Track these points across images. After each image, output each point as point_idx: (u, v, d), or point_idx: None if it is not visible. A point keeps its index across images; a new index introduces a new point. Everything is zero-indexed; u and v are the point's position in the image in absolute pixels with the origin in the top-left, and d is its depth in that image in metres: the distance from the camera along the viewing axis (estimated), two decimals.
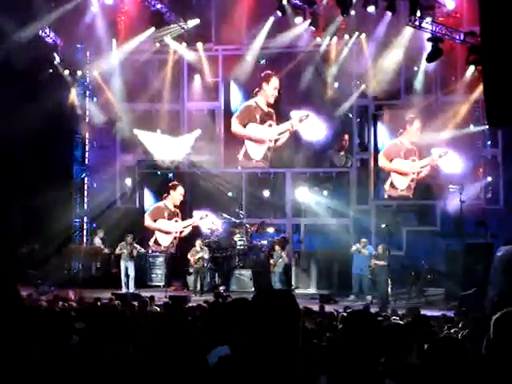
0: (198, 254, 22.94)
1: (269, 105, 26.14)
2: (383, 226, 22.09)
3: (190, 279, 23.25)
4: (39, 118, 22.04)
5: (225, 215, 24.70)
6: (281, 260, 22.48)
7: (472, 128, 23.78)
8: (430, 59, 22.62)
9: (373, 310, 16.03)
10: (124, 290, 22.18)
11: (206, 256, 23.10)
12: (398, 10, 22.53)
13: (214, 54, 26.47)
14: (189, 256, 23.16)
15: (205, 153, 26.53)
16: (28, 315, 6.11)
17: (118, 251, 23.04)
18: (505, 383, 4.44)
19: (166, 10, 24.65)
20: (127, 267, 22.78)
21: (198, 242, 23.33)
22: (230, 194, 26.03)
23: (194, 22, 25.07)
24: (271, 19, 24.43)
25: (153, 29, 24.90)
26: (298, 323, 3.31)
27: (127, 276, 22.76)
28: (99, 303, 15.12)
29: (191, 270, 23.16)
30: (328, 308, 16.39)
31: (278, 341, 3.22)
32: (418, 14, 21.51)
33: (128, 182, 27.21)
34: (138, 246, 23.14)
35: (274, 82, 25.90)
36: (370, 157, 25.59)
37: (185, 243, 24.93)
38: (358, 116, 25.89)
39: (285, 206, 26.12)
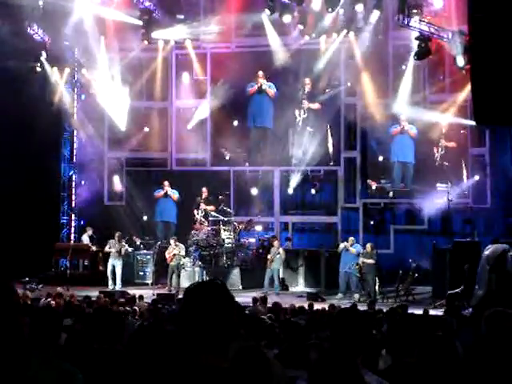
0: (174, 250, 22.85)
1: None
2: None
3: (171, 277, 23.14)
4: (26, 115, 22.03)
5: (213, 213, 24.66)
6: (278, 256, 22.37)
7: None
8: (417, 58, 22.68)
9: (360, 308, 16.08)
10: (110, 288, 22.15)
11: (182, 252, 23.01)
12: (385, 8, 22.58)
13: (202, 52, 26.46)
14: (166, 254, 23.15)
15: (193, 151, 26.55)
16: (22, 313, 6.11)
17: (107, 249, 23.00)
18: (494, 380, 4.47)
19: (155, 8, 24.62)
20: (114, 265, 22.76)
21: (173, 240, 23.26)
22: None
23: (182, 19, 25.07)
24: (260, 17, 24.46)
25: (141, 26, 24.83)
26: (232, 307, 3.48)
27: (114, 273, 22.74)
28: (87, 301, 15.14)
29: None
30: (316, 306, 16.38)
31: (215, 325, 3.37)
32: (406, 12, 21.53)
33: (116, 179, 27.15)
34: (126, 245, 23.09)
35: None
36: (357, 155, 25.64)
37: None
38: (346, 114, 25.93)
39: (273, 204, 26.15)
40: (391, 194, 25.29)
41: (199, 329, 3.35)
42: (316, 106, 25.60)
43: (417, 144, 24.87)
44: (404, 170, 25.32)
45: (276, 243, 22.70)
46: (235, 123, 26.40)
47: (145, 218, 26.66)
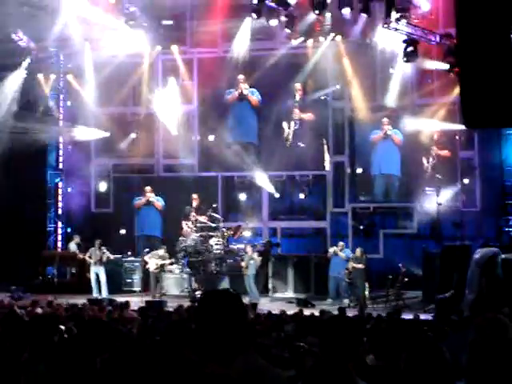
0: (153, 257, 22.65)
1: None
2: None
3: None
4: (11, 124, 21.90)
5: (201, 219, 24.51)
6: (252, 262, 22.15)
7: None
8: (406, 61, 22.62)
9: (350, 313, 15.99)
10: (95, 296, 21.94)
11: (167, 262, 22.85)
12: (372, 11, 22.50)
13: (189, 57, 26.35)
14: (146, 258, 22.92)
15: (180, 156, 26.44)
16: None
17: (87, 257, 22.82)
18: None
19: (141, 14, 24.48)
20: (97, 272, 22.55)
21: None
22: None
23: (168, 25, 24.95)
24: (246, 21, 24.33)
25: (127, 32, 24.69)
26: (245, 320, 3.53)
27: (98, 281, 22.52)
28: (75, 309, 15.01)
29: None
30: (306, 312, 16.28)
31: (226, 337, 3.38)
32: (394, 15, 21.45)
33: (103, 186, 26.98)
34: (107, 252, 22.85)
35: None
36: (345, 159, 25.54)
37: None
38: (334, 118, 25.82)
39: (261, 210, 26.02)
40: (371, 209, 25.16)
41: (210, 338, 3.36)
42: (308, 115, 25.27)
43: (403, 153, 24.63)
44: (388, 183, 25.08)
45: (249, 249, 22.45)
46: (211, 138, 26.05)
47: (122, 231, 26.26)
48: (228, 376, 3.28)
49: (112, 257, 23.09)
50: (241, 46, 25.06)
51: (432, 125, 23.91)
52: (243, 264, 22.18)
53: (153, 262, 22.63)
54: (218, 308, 3.41)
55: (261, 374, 3.66)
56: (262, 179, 25.19)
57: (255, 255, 22.28)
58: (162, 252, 22.96)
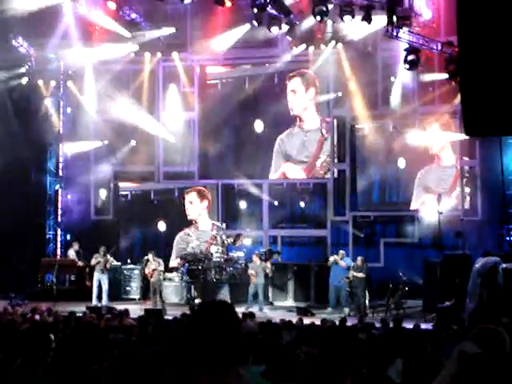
0: (151, 265, 22.44)
1: None
2: None
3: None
4: (11, 128, 21.83)
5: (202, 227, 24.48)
6: (261, 270, 21.99)
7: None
8: (408, 68, 22.58)
9: (350, 322, 15.91)
10: (94, 303, 21.84)
11: (161, 268, 22.63)
12: (374, 19, 22.45)
13: (189, 64, 26.32)
14: (145, 270, 22.79)
15: (180, 164, 26.41)
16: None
17: (93, 262, 22.67)
18: None
19: (141, 20, 24.44)
20: (100, 279, 22.42)
21: (151, 254, 22.88)
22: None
23: (169, 31, 24.90)
24: (247, 29, 24.29)
25: (127, 38, 24.65)
26: (238, 331, 3.46)
27: (99, 288, 22.41)
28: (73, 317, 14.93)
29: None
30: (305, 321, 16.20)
31: (219, 348, 3.34)
32: (395, 23, 21.41)
33: (103, 193, 26.93)
34: (112, 258, 22.80)
35: None
36: (347, 168, 25.48)
37: None
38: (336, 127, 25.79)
39: (262, 218, 25.96)
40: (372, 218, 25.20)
41: (203, 349, 3.33)
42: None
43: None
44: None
45: (256, 258, 22.34)
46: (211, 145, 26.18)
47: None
48: None
49: (116, 263, 23.05)
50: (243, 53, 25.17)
51: (435, 136, 23.90)
52: (252, 272, 22.03)
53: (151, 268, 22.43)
54: (211, 319, 3.37)
55: None
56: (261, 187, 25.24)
57: (268, 264, 22.18)
58: (154, 261, 22.61)
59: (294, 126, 26.07)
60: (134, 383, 5.02)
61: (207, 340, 3.31)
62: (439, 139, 24.11)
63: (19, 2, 22.05)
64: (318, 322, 15.31)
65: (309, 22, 23.43)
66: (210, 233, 24.68)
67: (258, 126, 26.20)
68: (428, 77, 23.84)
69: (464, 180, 24.16)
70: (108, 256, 22.56)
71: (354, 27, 23.15)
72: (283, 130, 26.15)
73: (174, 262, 25.11)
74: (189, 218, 26.01)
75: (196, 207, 26.12)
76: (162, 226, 26.38)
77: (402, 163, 24.72)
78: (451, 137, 23.75)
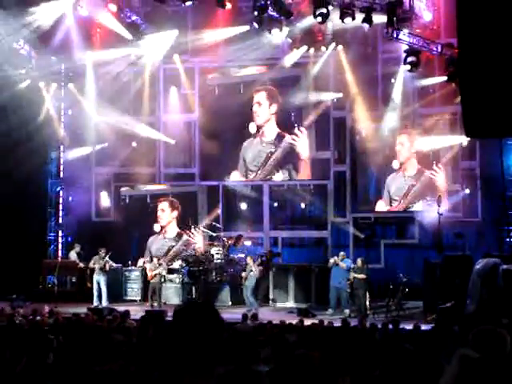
0: (156, 270, 22.51)
1: None
2: None
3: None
4: (12, 130, 21.86)
5: (202, 228, 24.48)
6: (251, 273, 21.97)
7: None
8: (409, 70, 22.63)
9: (351, 323, 15.93)
10: (95, 304, 21.93)
11: (164, 273, 22.72)
12: (374, 21, 22.50)
13: (190, 66, 26.34)
14: (147, 271, 22.90)
15: (182, 165, 26.46)
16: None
17: (91, 264, 22.75)
18: None
19: (142, 22, 24.47)
20: (99, 281, 22.48)
21: (156, 258, 23.08)
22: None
23: (171, 34, 24.92)
24: (248, 31, 24.32)
25: (128, 40, 24.66)
26: (221, 332, 3.44)
27: (99, 290, 22.46)
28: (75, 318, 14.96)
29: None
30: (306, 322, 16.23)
31: (201, 349, 3.34)
32: (395, 25, 21.46)
33: (104, 195, 26.96)
34: (111, 261, 22.81)
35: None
36: (347, 169, 25.51)
37: None
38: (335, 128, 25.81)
39: (262, 219, 25.98)
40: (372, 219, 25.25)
41: (186, 350, 3.31)
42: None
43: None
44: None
45: (250, 260, 22.32)
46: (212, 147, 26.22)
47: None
48: None
49: (115, 265, 23.08)
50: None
51: (437, 139, 23.97)
52: (243, 275, 22.05)
53: (155, 272, 22.48)
54: (192, 320, 3.38)
55: None
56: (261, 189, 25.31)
57: (254, 267, 22.05)
58: (160, 266, 22.77)
59: (256, 136, 26.12)
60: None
61: (186, 341, 3.32)
62: (438, 142, 24.20)
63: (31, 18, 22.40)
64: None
65: (309, 23, 23.46)
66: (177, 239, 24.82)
67: (252, 128, 26.14)
68: (428, 79, 23.89)
69: (464, 180, 24.21)
70: (107, 258, 22.61)
71: (355, 29, 23.22)
72: None
73: (140, 260, 25.21)
74: (159, 224, 26.12)
75: (167, 215, 26.19)
76: (157, 228, 26.38)
77: (396, 165, 24.83)
78: (451, 139, 23.81)
